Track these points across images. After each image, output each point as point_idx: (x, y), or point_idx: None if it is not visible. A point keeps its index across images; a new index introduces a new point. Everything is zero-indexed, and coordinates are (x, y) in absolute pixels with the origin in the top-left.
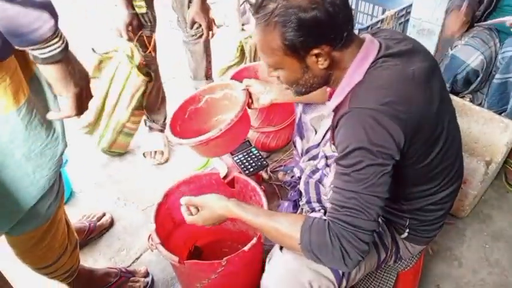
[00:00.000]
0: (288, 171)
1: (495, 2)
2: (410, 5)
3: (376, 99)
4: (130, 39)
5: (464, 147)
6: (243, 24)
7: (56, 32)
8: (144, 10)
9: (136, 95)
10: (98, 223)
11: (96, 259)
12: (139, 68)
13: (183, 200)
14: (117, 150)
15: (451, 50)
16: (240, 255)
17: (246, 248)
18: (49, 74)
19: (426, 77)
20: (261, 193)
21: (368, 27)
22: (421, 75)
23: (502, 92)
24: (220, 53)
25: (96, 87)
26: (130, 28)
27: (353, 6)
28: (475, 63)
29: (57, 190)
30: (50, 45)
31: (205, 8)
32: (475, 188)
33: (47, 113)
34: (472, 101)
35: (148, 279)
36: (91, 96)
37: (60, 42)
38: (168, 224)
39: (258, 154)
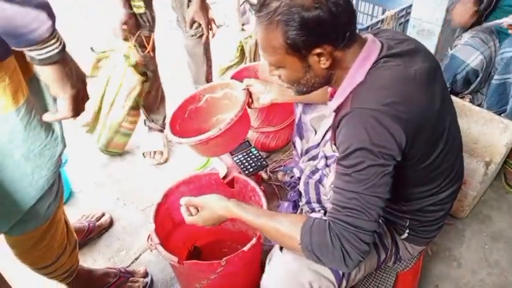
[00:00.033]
0: (288, 172)
1: (495, 2)
2: (410, 6)
3: (377, 99)
4: (125, 39)
5: (463, 148)
6: (243, 24)
7: (54, 33)
8: (142, 10)
9: (132, 94)
10: (97, 223)
11: (95, 259)
12: (135, 67)
13: (183, 201)
14: (114, 150)
15: (451, 49)
16: (239, 255)
17: (245, 249)
18: (46, 75)
19: (428, 77)
20: (261, 193)
21: (368, 27)
22: (423, 76)
23: (501, 93)
24: (220, 53)
25: (94, 86)
26: (125, 27)
27: None
28: (474, 63)
29: (57, 190)
30: (47, 46)
31: (204, 7)
32: (474, 188)
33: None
34: (471, 101)
35: (148, 279)
36: (88, 98)
37: (58, 43)
38: (167, 224)
39: (257, 154)
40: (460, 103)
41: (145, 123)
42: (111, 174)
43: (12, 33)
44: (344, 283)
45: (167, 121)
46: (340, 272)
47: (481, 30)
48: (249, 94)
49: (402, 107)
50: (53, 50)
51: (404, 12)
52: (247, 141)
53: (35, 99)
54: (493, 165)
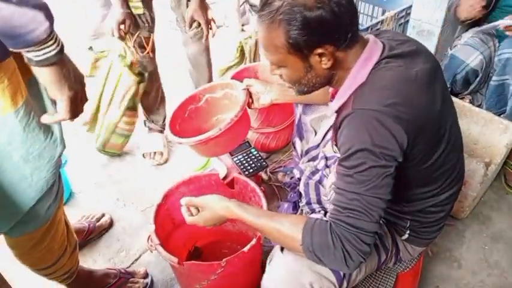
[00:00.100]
0: (288, 172)
1: (495, 2)
2: (410, 6)
3: (379, 100)
4: (121, 38)
5: (463, 149)
6: (242, 25)
7: (51, 34)
8: (141, 11)
9: (127, 95)
10: (97, 224)
11: (95, 260)
12: (131, 67)
13: (184, 201)
14: (111, 151)
15: (451, 49)
16: (239, 256)
17: (245, 249)
18: (43, 76)
19: (429, 78)
20: (261, 194)
21: (368, 28)
22: (424, 77)
23: (500, 94)
24: (220, 53)
25: (93, 86)
26: (122, 27)
27: None
28: (474, 62)
29: (57, 191)
30: (44, 48)
31: (203, 6)
32: (474, 189)
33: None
34: (471, 102)
35: (148, 280)
36: (86, 100)
37: (55, 44)
38: (167, 224)
39: (257, 155)
40: (460, 104)
41: (145, 124)
42: (111, 175)
43: (9, 34)
44: (345, 284)
45: (167, 121)
46: (341, 273)
47: (481, 30)
48: (249, 94)
49: (404, 108)
50: (51, 51)
51: (404, 13)
52: (247, 141)
53: (34, 100)
54: (493, 166)
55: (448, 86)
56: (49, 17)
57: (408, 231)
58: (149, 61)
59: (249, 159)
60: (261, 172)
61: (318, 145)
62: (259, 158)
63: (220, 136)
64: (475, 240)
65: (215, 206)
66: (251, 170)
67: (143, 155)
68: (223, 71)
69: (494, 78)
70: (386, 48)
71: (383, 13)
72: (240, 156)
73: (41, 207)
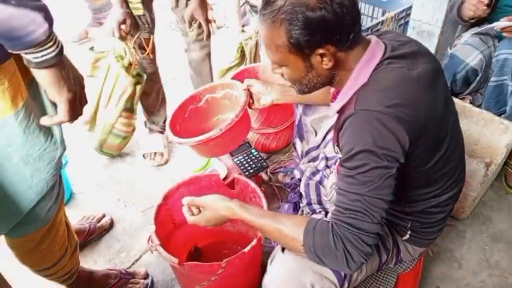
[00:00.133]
0: (288, 173)
1: (494, 2)
2: (410, 7)
3: (381, 101)
4: (122, 38)
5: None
6: (243, 26)
7: (51, 36)
8: (141, 12)
9: (123, 96)
10: (98, 224)
11: (95, 260)
12: (129, 68)
13: (185, 200)
14: (108, 151)
15: (450, 49)
16: (239, 257)
17: (245, 250)
18: (42, 78)
19: (431, 79)
20: (261, 194)
21: (368, 28)
22: (426, 78)
23: (499, 94)
24: (221, 54)
25: (93, 86)
26: (123, 27)
27: None
28: (474, 62)
29: (57, 193)
30: (43, 50)
31: (203, 5)
32: (474, 189)
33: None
34: (472, 102)
35: (148, 280)
36: (86, 102)
37: (54, 46)
38: (168, 225)
39: (258, 155)
40: (460, 104)
41: (145, 125)
42: (112, 176)
43: (7, 36)
44: (346, 284)
45: (167, 121)
46: (342, 273)
47: (479, 32)
48: (250, 95)
49: (406, 109)
50: (50, 53)
51: (404, 14)
52: (248, 142)
53: (34, 102)
54: (493, 166)
55: (448, 85)
56: (48, 18)
57: (409, 232)
58: (149, 62)
59: (249, 160)
60: (261, 173)
61: (319, 146)
62: (260, 158)
63: (221, 136)
64: (475, 240)
65: (217, 206)
66: (251, 171)
67: (143, 155)
68: (223, 72)
69: (492, 79)
70: (388, 49)
71: (383, 14)
72: (240, 157)
73: (41, 209)
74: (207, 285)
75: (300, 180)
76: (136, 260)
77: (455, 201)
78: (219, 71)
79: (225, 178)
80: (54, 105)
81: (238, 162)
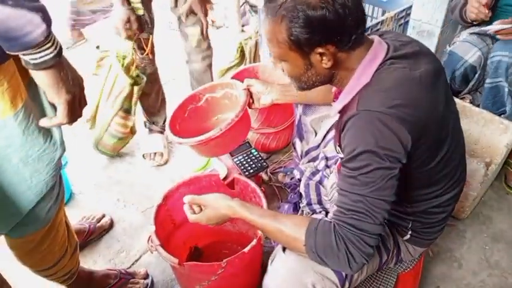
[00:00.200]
0: (288, 173)
1: (494, 2)
2: (410, 7)
3: (384, 102)
4: (129, 38)
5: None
6: (243, 26)
7: (49, 37)
8: (141, 12)
9: (120, 95)
10: (98, 224)
11: (95, 260)
12: (129, 69)
13: (186, 199)
14: (104, 150)
15: (449, 46)
16: (240, 256)
17: (245, 250)
18: (40, 80)
19: (433, 80)
20: (261, 194)
21: (368, 28)
22: (428, 78)
23: (495, 96)
24: (220, 54)
25: (97, 84)
26: (128, 25)
27: None
28: (472, 59)
29: (57, 193)
30: (41, 51)
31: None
32: (475, 189)
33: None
34: (472, 102)
35: (148, 280)
36: (85, 104)
37: (53, 47)
38: (167, 225)
39: (257, 155)
40: (460, 104)
41: (145, 125)
42: (111, 176)
43: (4, 37)
44: (347, 284)
45: (167, 121)
46: (343, 274)
47: (478, 31)
48: (250, 94)
49: (408, 110)
50: (48, 54)
51: (404, 14)
52: (248, 142)
53: (33, 103)
54: (494, 165)
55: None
56: (46, 19)
57: (410, 232)
58: (148, 63)
59: (249, 160)
60: (261, 173)
61: (318, 146)
62: (260, 158)
63: (221, 136)
64: (475, 240)
65: (218, 205)
66: (251, 171)
67: (143, 155)
68: (223, 72)
69: (487, 80)
70: (390, 49)
71: (383, 13)
72: (240, 157)
73: (41, 209)
74: (207, 285)
75: (299, 180)
76: (136, 260)
77: (456, 201)
78: (219, 70)
79: (225, 178)
80: (54, 106)
81: (238, 162)
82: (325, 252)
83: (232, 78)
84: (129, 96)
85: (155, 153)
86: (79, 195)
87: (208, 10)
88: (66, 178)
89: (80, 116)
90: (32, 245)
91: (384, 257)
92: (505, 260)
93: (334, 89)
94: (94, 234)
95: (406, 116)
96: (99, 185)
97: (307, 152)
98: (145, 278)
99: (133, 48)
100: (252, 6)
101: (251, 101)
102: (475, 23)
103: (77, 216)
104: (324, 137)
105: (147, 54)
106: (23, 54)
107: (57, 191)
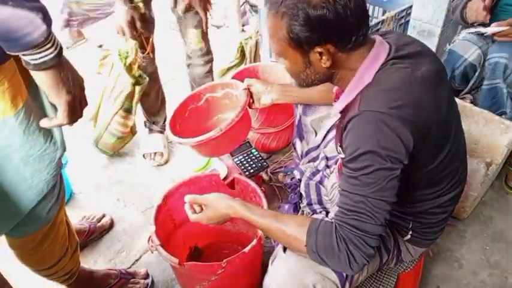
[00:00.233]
0: (289, 173)
1: (495, 2)
2: (411, 7)
3: (386, 102)
4: (133, 37)
5: None
6: (243, 25)
7: (49, 38)
8: (142, 11)
9: (121, 94)
10: (98, 224)
11: (96, 260)
12: (131, 68)
13: (187, 198)
14: (103, 149)
15: (449, 45)
16: (240, 256)
17: (246, 250)
18: (40, 80)
19: (435, 80)
20: (261, 194)
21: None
22: (430, 79)
23: (493, 97)
24: (221, 54)
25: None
26: (133, 25)
27: None
28: (472, 57)
29: (58, 193)
30: (41, 51)
31: None
32: (475, 189)
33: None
34: (472, 102)
35: (148, 280)
36: (86, 104)
37: (53, 48)
38: (168, 225)
39: (258, 155)
40: (461, 104)
41: (145, 125)
42: (112, 176)
43: (4, 37)
44: (347, 285)
45: (167, 121)
46: (344, 274)
47: (475, 32)
48: (250, 94)
49: (410, 110)
50: (48, 55)
51: (404, 13)
52: (248, 142)
53: (34, 103)
54: (494, 166)
55: None
56: (46, 20)
57: (410, 232)
58: (149, 62)
59: (249, 160)
60: (261, 172)
61: (318, 146)
62: (260, 158)
63: (221, 136)
64: (475, 240)
65: (219, 205)
66: (252, 171)
67: (143, 155)
68: (223, 72)
69: (485, 82)
70: (392, 49)
71: (383, 13)
72: (240, 157)
73: (41, 209)
74: (207, 285)
75: (300, 180)
76: (137, 260)
77: (457, 201)
78: (219, 70)
79: (225, 178)
80: (55, 106)
81: (238, 162)
82: (326, 252)
83: (233, 78)
84: (131, 95)
85: (155, 153)
86: (79, 195)
87: (209, 7)
88: (67, 178)
89: (81, 116)
90: (33, 244)
91: (385, 257)
92: (505, 260)
93: (335, 88)
94: (94, 234)
95: (408, 116)
96: (100, 185)
97: (307, 152)
98: (145, 278)
99: (136, 48)
100: (252, 5)
101: (251, 101)
102: (475, 24)
103: (77, 216)
104: (324, 137)
105: (148, 53)
106: (23, 55)
107: (57, 191)
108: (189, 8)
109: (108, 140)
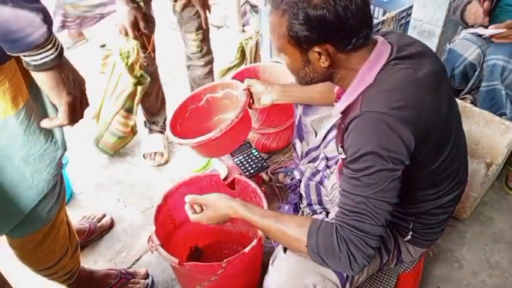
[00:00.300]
0: (289, 173)
1: (495, 2)
2: (411, 7)
3: (387, 103)
4: (136, 37)
5: None
6: (243, 26)
7: (49, 39)
8: (143, 10)
9: (123, 94)
10: (98, 224)
11: (96, 260)
12: (132, 68)
13: (188, 198)
14: (104, 148)
15: (449, 44)
16: (240, 257)
17: (246, 250)
18: (41, 81)
19: (436, 81)
20: (262, 195)
21: None
22: (432, 79)
23: (492, 99)
24: (221, 54)
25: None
26: (136, 26)
27: None
28: (472, 56)
29: (58, 193)
30: (42, 52)
31: None
32: (475, 190)
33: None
34: (473, 102)
35: (149, 280)
36: (87, 105)
37: (53, 49)
38: (168, 225)
39: (258, 155)
40: (461, 105)
41: (145, 125)
42: (112, 176)
43: (4, 38)
44: (347, 285)
45: (168, 121)
46: (344, 274)
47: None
48: (250, 94)
49: (412, 111)
50: (49, 56)
51: (405, 14)
52: (248, 142)
53: (34, 103)
54: (494, 166)
55: None
56: (47, 20)
57: (411, 233)
58: (151, 61)
59: (249, 160)
60: (261, 173)
61: (318, 146)
62: (260, 158)
63: (221, 137)
64: (476, 240)
65: (219, 205)
66: (252, 171)
67: (144, 155)
68: (223, 72)
69: (483, 84)
70: (394, 50)
71: (384, 14)
72: (240, 157)
73: (42, 209)
74: (207, 286)
75: (299, 181)
76: (137, 260)
77: (457, 202)
78: (220, 70)
79: (226, 178)
80: (55, 106)
81: (238, 162)
82: (326, 253)
83: (233, 78)
84: (132, 95)
85: (155, 153)
86: (80, 195)
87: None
88: (67, 178)
89: (81, 117)
90: (33, 244)
91: (385, 258)
92: (505, 261)
93: (336, 88)
94: (94, 234)
95: (410, 117)
96: (100, 185)
97: (307, 153)
98: (145, 278)
99: (137, 48)
100: (252, 6)
101: (251, 101)
102: (474, 26)
103: (77, 216)
104: (324, 137)
105: (149, 52)
106: (24, 56)
107: (58, 191)
108: (187, 4)
109: (108, 139)
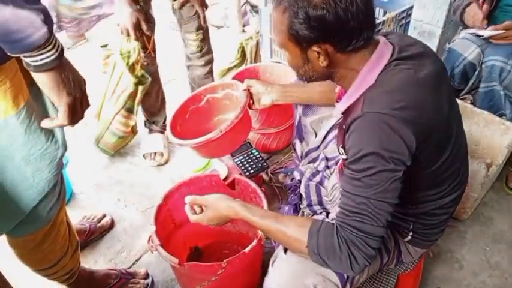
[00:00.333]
0: (289, 173)
1: (496, 2)
2: (411, 7)
3: (389, 103)
4: (137, 38)
5: None
6: (243, 26)
7: (50, 39)
8: (144, 12)
9: (123, 93)
10: (98, 224)
11: (96, 260)
12: (133, 68)
13: (188, 199)
14: (104, 148)
15: (449, 44)
16: (240, 257)
17: (246, 250)
18: (41, 81)
19: (437, 81)
20: (262, 195)
21: None
22: (433, 80)
23: (490, 100)
24: (221, 54)
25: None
26: (138, 27)
27: None
28: (471, 55)
29: (59, 192)
30: (42, 53)
31: None
32: (475, 190)
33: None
34: (473, 102)
35: (149, 280)
36: (88, 105)
37: (54, 50)
38: (168, 225)
39: (258, 156)
40: (461, 105)
41: (145, 125)
42: (112, 176)
43: (5, 39)
44: (348, 286)
45: (168, 122)
46: (345, 275)
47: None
48: (250, 95)
49: (413, 112)
50: (49, 56)
51: (405, 14)
52: (248, 142)
53: (35, 103)
54: (494, 166)
55: None
56: (47, 21)
57: (411, 233)
58: (151, 61)
59: (249, 160)
60: (261, 173)
61: (318, 147)
62: (260, 158)
63: (221, 138)
64: (476, 241)
65: (219, 206)
66: (252, 171)
67: (144, 155)
68: (224, 72)
69: (482, 85)
70: (396, 50)
71: (384, 14)
72: (240, 157)
73: (42, 208)
74: (207, 286)
75: (299, 181)
76: (137, 260)
77: (458, 203)
78: (220, 71)
79: (226, 178)
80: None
81: (238, 162)
82: (327, 253)
83: (233, 78)
84: (133, 95)
85: (155, 153)
86: (80, 195)
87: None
88: (67, 178)
89: (82, 118)
90: (33, 244)
91: (385, 258)
92: (505, 261)
93: (337, 89)
94: (95, 234)
95: (411, 118)
96: (100, 185)
97: (307, 153)
98: (145, 278)
99: (138, 48)
100: (253, 6)
101: (251, 101)
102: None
103: (77, 216)
104: (324, 138)
105: (150, 52)
106: (24, 56)
107: (58, 190)
108: (185, 3)
109: (109, 139)
